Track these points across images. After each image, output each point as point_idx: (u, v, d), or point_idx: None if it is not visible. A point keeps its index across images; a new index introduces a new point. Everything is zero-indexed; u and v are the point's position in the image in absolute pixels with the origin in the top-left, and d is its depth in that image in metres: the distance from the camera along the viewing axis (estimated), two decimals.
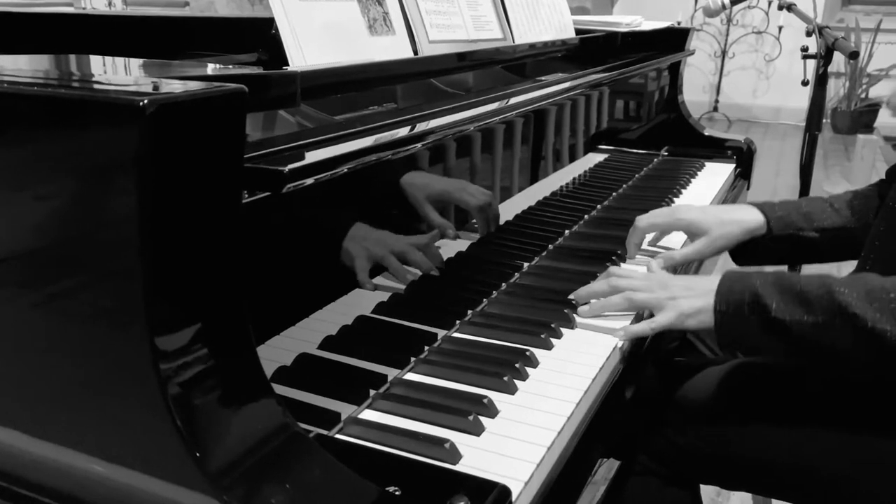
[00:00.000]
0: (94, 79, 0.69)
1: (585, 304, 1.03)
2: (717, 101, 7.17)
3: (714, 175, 1.81)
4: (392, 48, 1.04)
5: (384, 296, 0.97)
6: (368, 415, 0.76)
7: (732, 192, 1.82)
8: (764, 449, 1.09)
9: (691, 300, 0.97)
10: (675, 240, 1.33)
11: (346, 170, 0.73)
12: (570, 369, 0.87)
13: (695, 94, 7.26)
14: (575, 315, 0.99)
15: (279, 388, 0.75)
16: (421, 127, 0.89)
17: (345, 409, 0.74)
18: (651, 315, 1.01)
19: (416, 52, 1.09)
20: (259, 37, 1.02)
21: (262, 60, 1.00)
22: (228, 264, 0.55)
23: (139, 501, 0.54)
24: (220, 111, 0.53)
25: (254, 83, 0.73)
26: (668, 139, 2.03)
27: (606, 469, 0.86)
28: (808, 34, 1.91)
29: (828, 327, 0.88)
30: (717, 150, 1.99)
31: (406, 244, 1.02)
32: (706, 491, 2.18)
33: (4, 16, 1.30)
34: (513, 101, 1.14)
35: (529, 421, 0.75)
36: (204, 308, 0.52)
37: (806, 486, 1.08)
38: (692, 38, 2.00)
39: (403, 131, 0.87)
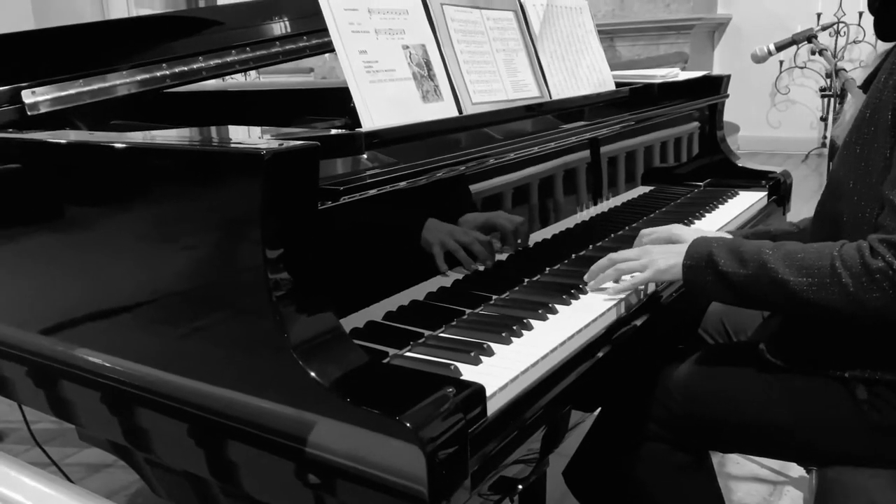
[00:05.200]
0: (231, 140, 1.13)
1: None
2: (825, 138, 7.16)
3: (742, 202, 2.09)
4: (441, 111, 1.43)
5: (433, 287, 1.34)
6: (407, 353, 1.14)
7: (760, 216, 2.09)
8: (737, 413, 1.37)
9: (666, 259, 1.32)
10: None
11: (373, 190, 1.14)
12: (561, 328, 1.22)
13: (802, 130, 7.29)
14: (572, 300, 1.34)
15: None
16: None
17: (392, 350, 1.13)
18: None
19: (461, 113, 1.48)
20: (347, 104, 1.44)
21: (347, 124, 1.42)
22: (310, 248, 0.96)
23: (258, 410, 0.96)
24: (305, 158, 0.95)
25: (333, 140, 1.15)
26: (710, 172, 2.33)
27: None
28: (828, 76, 2.17)
29: (755, 278, 1.19)
30: (755, 180, 2.27)
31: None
32: (760, 491, 2.37)
33: (160, 95, 1.78)
34: (548, 139, 1.53)
35: (515, 359, 1.11)
36: (296, 267, 0.93)
37: (772, 442, 1.37)
38: (728, 84, 2.30)
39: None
